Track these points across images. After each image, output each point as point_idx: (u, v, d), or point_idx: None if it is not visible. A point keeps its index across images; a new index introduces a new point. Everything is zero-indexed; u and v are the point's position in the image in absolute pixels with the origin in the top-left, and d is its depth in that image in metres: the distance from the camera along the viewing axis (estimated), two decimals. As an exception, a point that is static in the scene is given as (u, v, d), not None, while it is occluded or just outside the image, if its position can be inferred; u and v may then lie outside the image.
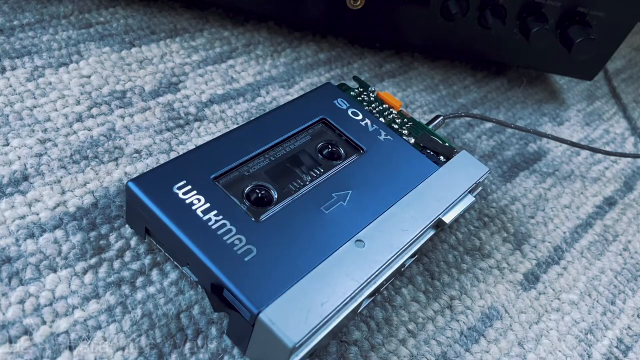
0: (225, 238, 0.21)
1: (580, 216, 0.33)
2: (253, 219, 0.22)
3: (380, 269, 0.22)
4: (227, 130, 0.31)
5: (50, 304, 0.21)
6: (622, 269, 0.31)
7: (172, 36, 0.35)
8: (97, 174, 0.26)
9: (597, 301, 0.29)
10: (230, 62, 0.35)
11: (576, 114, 0.42)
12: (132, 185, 0.22)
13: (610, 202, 0.35)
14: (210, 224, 0.21)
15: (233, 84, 0.34)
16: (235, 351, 0.22)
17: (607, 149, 0.39)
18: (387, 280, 0.23)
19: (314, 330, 0.19)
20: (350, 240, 0.22)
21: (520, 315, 0.27)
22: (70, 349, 0.21)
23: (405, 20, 0.36)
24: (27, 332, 0.21)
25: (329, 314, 0.20)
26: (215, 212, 0.21)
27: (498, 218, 0.32)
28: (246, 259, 0.20)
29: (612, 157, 0.39)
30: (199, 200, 0.22)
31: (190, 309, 0.23)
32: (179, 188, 0.22)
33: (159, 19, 0.36)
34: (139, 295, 0.23)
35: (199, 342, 0.22)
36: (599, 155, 0.39)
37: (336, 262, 0.21)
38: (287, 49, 0.38)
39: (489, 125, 0.38)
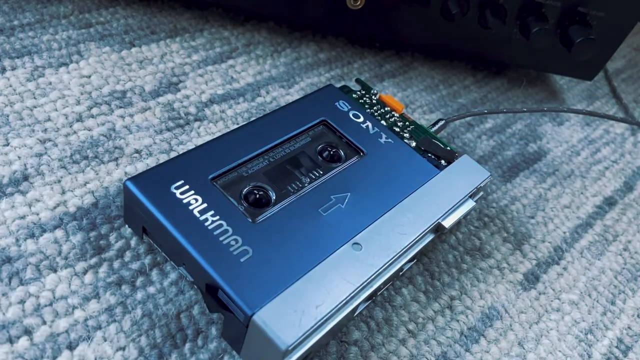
0: (221, 239, 0.21)
1: (580, 216, 0.33)
2: (250, 220, 0.22)
3: (377, 273, 0.22)
4: (227, 130, 0.31)
5: (51, 304, 0.21)
6: (622, 269, 0.31)
7: (172, 36, 0.35)
8: (97, 174, 0.26)
9: (597, 301, 0.29)
10: (230, 62, 0.35)
11: (576, 114, 0.42)
12: (129, 184, 0.22)
13: (610, 202, 0.35)
14: (206, 224, 0.21)
15: (233, 84, 0.34)
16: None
17: (607, 149, 0.39)
18: (384, 284, 0.23)
19: (308, 333, 0.19)
20: (347, 243, 0.22)
21: (520, 315, 0.27)
22: (71, 348, 0.21)
23: (405, 20, 0.36)
24: (27, 332, 0.21)
25: (324, 317, 0.19)
26: (212, 212, 0.21)
27: (498, 218, 0.32)
28: (242, 260, 0.20)
29: (613, 157, 0.39)
30: (196, 200, 0.22)
31: (190, 309, 0.23)
32: (177, 188, 0.22)
33: (159, 19, 0.36)
34: (139, 295, 0.23)
35: (199, 342, 0.22)
36: (599, 155, 0.39)
37: (332, 264, 0.21)
38: (287, 49, 0.38)
39: (489, 125, 0.38)
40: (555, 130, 0.40)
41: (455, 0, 0.34)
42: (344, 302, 0.20)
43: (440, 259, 0.28)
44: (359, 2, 0.35)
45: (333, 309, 0.20)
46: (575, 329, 0.27)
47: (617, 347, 0.27)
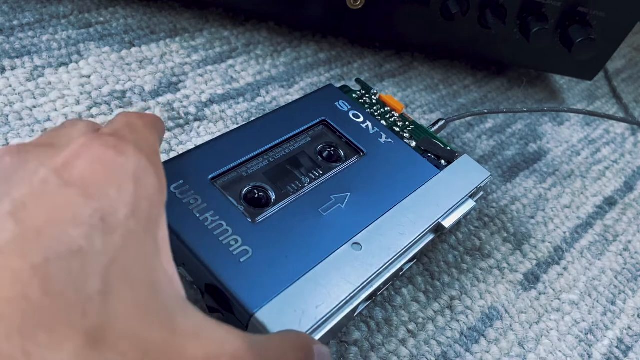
0: (221, 239, 0.21)
1: (580, 216, 0.33)
2: (250, 220, 0.22)
3: (377, 273, 0.22)
4: (227, 130, 0.31)
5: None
6: (622, 269, 0.31)
7: (172, 36, 0.35)
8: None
9: (598, 301, 0.29)
10: (230, 62, 0.35)
11: (576, 114, 0.42)
12: None
13: (610, 202, 0.35)
14: (206, 224, 0.21)
15: (233, 83, 0.34)
16: (235, 351, 0.22)
17: (607, 149, 0.39)
18: (384, 284, 0.23)
19: (308, 333, 0.19)
20: (347, 243, 0.22)
21: (520, 315, 0.27)
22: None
23: (405, 20, 0.36)
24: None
25: (324, 317, 0.19)
26: (212, 212, 0.21)
27: (498, 218, 0.31)
28: (242, 259, 0.20)
29: (613, 157, 0.39)
30: (196, 200, 0.22)
31: (190, 309, 0.23)
32: (176, 187, 0.22)
33: (158, 18, 0.36)
34: (139, 295, 0.23)
35: (199, 342, 0.22)
36: (600, 155, 0.39)
37: (332, 264, 0.21)
38: (287, 49, 0.38)
39: (489, 125, 0.38)
40: (555, 130, 0.40)
41: (455, 0, 0.34)
42: (344, 302, 0.20)
43: (440, 259, 0.28)
44: (359, 2, 0.35)
45: (333, 309, 0.20)
46: (575, 329, 0.27)
47: (617, 347, 0.27)
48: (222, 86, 0.33)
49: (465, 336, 0.26)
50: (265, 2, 0.35)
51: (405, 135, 0.29)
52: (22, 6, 0.34)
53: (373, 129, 0.28)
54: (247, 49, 0.36)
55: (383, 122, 0.29)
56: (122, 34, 0.34)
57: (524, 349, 0.26)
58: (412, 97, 0.38)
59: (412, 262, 0.26)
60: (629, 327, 0.28)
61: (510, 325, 0.27)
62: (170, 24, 0.36)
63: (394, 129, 0.29)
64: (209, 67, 0.34)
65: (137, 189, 0.15)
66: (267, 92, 0.34)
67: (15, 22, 0.32)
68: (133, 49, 0.33)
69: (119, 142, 0.15)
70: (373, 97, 0.31)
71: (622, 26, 0.36)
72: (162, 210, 0.16)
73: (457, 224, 0.30)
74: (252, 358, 0.14)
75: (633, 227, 0.34)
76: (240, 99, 0.33)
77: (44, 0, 0.34)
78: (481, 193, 0.28)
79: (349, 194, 0.24)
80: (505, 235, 0.31)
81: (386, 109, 0.30)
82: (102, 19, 0.35)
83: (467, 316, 0.26)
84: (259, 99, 0.33)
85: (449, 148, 0.28)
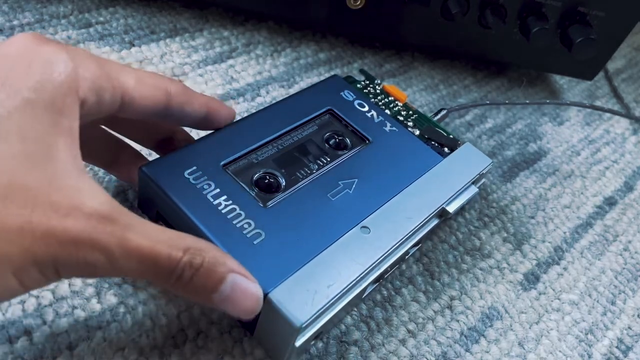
0: (235, 222, 0.21)
1: (580, 216, 0.33)
2: (261, 205, 0.22)
3: (385, 255, 0.22)
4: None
5: (51, 305, 0.21)
6: (622, 269, 0.31)
7: (172, 36, 0.35)
8: (96, 174, 0.26)
9: (598, 301, 0.29)
10: (230, 62, 0.35)
11: (576, 114, 0.42)
12: (145, 170, 0.22)
13: (610, 202, 0.35)
14: (220, 208, 0.22)
15: (233, 83, 0.34)
16: (236, 351, 0.22)
17: (608, 149, 0.39)
18: (391, 266, 0.23)
19: (320, 312, 0.20)
20: (356, 226, 0.23)
21: (520, 315, 0.27)
22: (70, 348, 0.21)
23: (405, 20, 0.36)
24: (27, 332, 0.21)
25: (335, 296, 0.20)
26: (225, 197, 0.22)
27: (498, 218, 0.32)
28: (255, 242, 0.21)
29: (613, 157, 0.39)
30: (209, 185, 0.22)
31: (190, 309, 0.23)
32: (190, 174, 0.22)
33: (158, 18, 0.36)
34: (141, 295, 0.23)
35: (199, 342, 0.22)
36: (600, 155, 0.39)
37: (342, 247, 0.22)
38: (287, 48, 0.38)
39: (489, 125, 0.38)
40: (556, 130, 0.40)
41: (455, 0, 0.34)
42: (354, 282, 0.21)
43: (440, 259, 0.28)
44: (359, 2, 0.35)
45: (344, 288, 0.20)
46: (575, 329, 0.27)
47: (617, 347, 0.27)
48: (222, 86, 0.33)
49: (465, 336, 0.26)
50: (265, 2, 0.35)
51: (409, 124, 0.29)
52: (22, 6, 0.34)
53: (378, 117, 0.28)
54: (247, 49, 0.37)
55: (387, 111, 0.29)
56: (122, 34, 0.34)
57: (524, 349, 0.26)
58: (412, 97, 0.38)
59: (418, 247, 0.27)
60: (629, 327, 0.28)
61: (510, 325, 0.27)
62: (170, 24, 0.36)
63: (398, 118, 0.29)
64: (209, 67, 0.34)
65: (45, 70, 0.17)
66: (267, 92, 0.34)
67: (15, 22, 0.32)
68: (133, 49, 0.34)
69: (48, 40, 0.18)
70: (377, 87, 0.31)
71: (622, 26, 0.36)
72: (71, 102, 0.17)
73: (458, 223, 0.30)
74: (103, 223, 0.16)
75: (633, 227, 0.34)
76: (240, 99, 0.33)
77: (44, 0, 0.34)
78: (483, 180, 0.29)
79: (356, 180, 0.25)
80: (505, 235, 0.31)
81: (390, 98, 0.31)
82: (102, 19, 0.35)
83: (467, 316, 0.26)
84: (259, 99, 0.33)
85: (451, 136, 0.29)
